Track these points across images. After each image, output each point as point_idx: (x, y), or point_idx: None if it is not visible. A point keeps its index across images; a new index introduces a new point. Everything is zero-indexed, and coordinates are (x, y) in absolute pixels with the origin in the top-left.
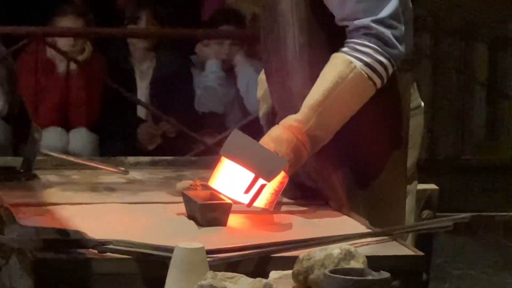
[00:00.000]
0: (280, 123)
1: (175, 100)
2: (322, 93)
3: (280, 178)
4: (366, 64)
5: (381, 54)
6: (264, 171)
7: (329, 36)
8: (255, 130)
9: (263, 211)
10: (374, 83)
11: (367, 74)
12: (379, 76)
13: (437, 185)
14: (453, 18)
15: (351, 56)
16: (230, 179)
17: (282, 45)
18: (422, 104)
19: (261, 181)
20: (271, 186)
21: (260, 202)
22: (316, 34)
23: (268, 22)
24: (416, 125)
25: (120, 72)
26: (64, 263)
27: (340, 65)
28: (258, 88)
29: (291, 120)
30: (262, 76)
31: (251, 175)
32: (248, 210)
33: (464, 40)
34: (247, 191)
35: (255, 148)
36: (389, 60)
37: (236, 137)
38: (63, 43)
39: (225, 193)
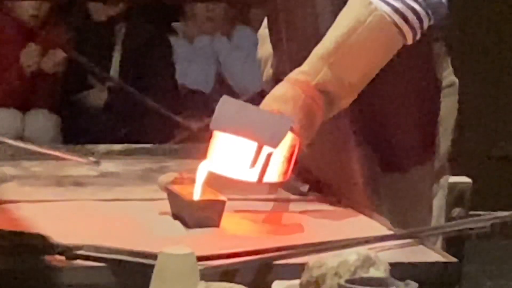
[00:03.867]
0: (285, 78)
1: (151, 75)
2: (335, 40)
3: (290, 141)
4: (395, 10)
5: (415, 0)
6: (266, 136)
7: None
8: None
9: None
10: (403, 34)
11: (393, 20)
12: (411, 26)
13: (469, 177)
14: None
15: None
16: (229, 155)
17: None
18: (457, 81)
19: (266, 150)
20: (281, 153)
21: (272, 176)
22: None
23: None
24: (448, 107)
25: (84, 43)
26: (25, 272)
27: (357, 7)
28: (259, 45)
29: (296, 73)
30: (263, 31)
31: (253, 145)
32: (244, 208)
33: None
34: (252, 164)
35: (251, 112)
36: (424, 9)
37: (226, 104)
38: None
39: (228, 174)
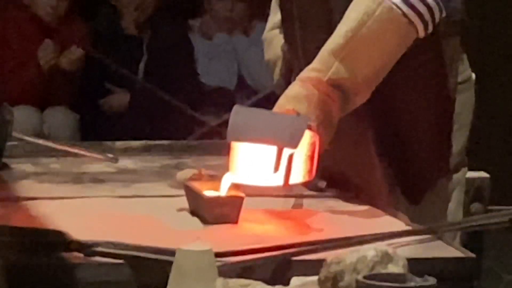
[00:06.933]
0: (297, 78)
1: (173, 74)
2: (345, 34)
3: (309, 139)
4: (404, 1)
5: None
6: (285, 138)
7: None
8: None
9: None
10: (414, 26)
11: (402, 11)
12: (421, 18)
13: (487, 172)
14: None
15: None
16: (251, 164)
17: None
18: (473, 76)
19: (287, 151)
20: (302, 152)
21: (298, 177)
22: None
23: None
24: (465, 102)
25: (108, 42)
26: (43, 268)
27: (365, 0)
28: (265, 48)
29: (308, 71)
30: (268, 34)
31: (273, 149)
32: (263, 204)
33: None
34: (276, 169)
35: (265, 117)
36: (435, 1)
37: (239, 113)
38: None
39: (253, 183)
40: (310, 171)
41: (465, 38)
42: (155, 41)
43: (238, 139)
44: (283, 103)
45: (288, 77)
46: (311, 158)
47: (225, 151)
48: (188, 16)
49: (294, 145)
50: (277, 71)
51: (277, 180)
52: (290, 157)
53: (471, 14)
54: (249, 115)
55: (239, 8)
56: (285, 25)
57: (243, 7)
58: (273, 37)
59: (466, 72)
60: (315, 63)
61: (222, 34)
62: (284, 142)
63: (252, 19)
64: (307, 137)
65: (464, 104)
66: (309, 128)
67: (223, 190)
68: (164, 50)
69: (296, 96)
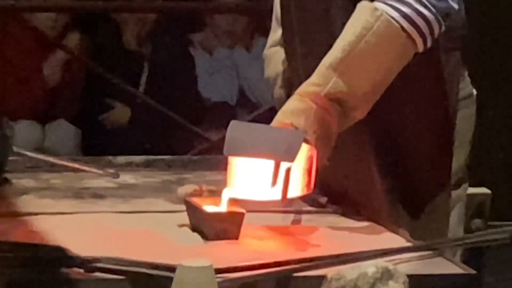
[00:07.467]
0: (295, 92)
1: (174, 88)
2: (343, 49)
3: (306, 152)
4: (403, 15)
5: (423, 6)
6: (281, 152)
7: None
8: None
9: (288, 227)
10: (413, 40)
11: (401, 25)
12: (420, 32)
13: (488, 188)
14: None
15: (382, 3)
16: (248, 179)
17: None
18: (474, 92)
19: (284, 165)
20: (300, 166)
21: (296, 190)
22: None
23: None
24: (465, 118)
25: (109, 56)
26: (44, 284)
27: (363, 14)
28: (265, 65)
29: (306, 85)
30: (268, 52)
31: (270, 164)
32: (263, 220)
33: None
34: (274, 183)
35: (261, 132)
36: (434, 14)
37: (235, 129)
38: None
39: (251, 198)
40: (308, 184)
41: (466, 54)
42: (156, 55)
43: (235, 154)
44: (281, 117)
45: (289, 92)
46: (309, 171)
47: (226, 166)
48: (189, 30)
49: (291, 159)
50: (276, 88)
51: (275, 194)
52: (288, 171)
53: (472, 29)
54: (245, 130)
55: (240, 23)
56: (286, 41)
57: (244, 22)
58: (272, 54)
59: (467, 89)
60: (313, 78)
61: (223, 48)
62: (281, 156)
63: (253, 34)
64: (305, 150)
65: (465, 120)
66: (307, 142)
67: (223, 205)
68: (165, 65)
69: (294, 110)
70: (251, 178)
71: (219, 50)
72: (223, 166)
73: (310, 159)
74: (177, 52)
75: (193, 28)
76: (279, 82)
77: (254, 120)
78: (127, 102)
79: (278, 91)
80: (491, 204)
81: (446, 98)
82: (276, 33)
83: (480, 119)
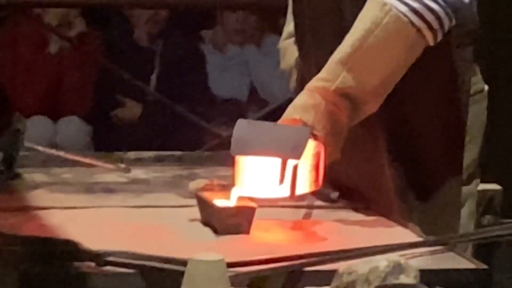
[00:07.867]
0: (305, 87)
1: (186, 85)
2: (352, 44)
3: (313, 149)
4: (412, 9)
5: (433, 0)
6: (288, 149)
7: None
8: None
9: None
10: (422, 34)
11: (410, 19)
12: (429, 26)
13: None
14: None
15: None
16: (256, 177)
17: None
18: (486, 87)
19: (291, 163)
20: (307, 163)
21: (304, 187)
22: None
23: None
24: (477, 114)
25: (121, 53)
26: (55, 278)
27: (372, 9)
28: (281, 57)
29: (315, 80)
30: (283, 44)
31: (277, 161)
32: (275, 215)
33: None
34: (281, 180)
35: (268, 129)
36: (443, 9)
37: (242, 127)
38: (50, 16)
39: (259, 195)
40: (316, 180)
41: (478, 49)
42: (167, 52)
43: (243, 153)
44: (290, 113)
45: (302, 87)
46: (317, 168)
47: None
48: (200, 28)
49: (298, 156)
50: (292, 79)
51: (283, 192)
52: (295, 168)
53: (483, 24)
54: (252, 128)
55: (251, 20)
56: (298, 36)
57: (255, 19)
58: (287, 47)
59: (478, 84)
60: (322, 73)
61: (234, 46)
62: (288, 153)
63: (264, 31)
64: (311, 147)
65: (476, 115)
66: (315, 137)
67: (233, 202)
68: (176, 61)
69: (303, 105)
70: (259, 176)
71: (230, 47)
72: (232, 163)
73: (317, 155)
74: (188, 49)
75: (204, 25)
76: (294, 74)
77: (264, 117)
78: (138, 99)
79: (294, 83)
80: (502, 200)
81: (458, 93)
82: (290, 24)
83: (491, 115)
